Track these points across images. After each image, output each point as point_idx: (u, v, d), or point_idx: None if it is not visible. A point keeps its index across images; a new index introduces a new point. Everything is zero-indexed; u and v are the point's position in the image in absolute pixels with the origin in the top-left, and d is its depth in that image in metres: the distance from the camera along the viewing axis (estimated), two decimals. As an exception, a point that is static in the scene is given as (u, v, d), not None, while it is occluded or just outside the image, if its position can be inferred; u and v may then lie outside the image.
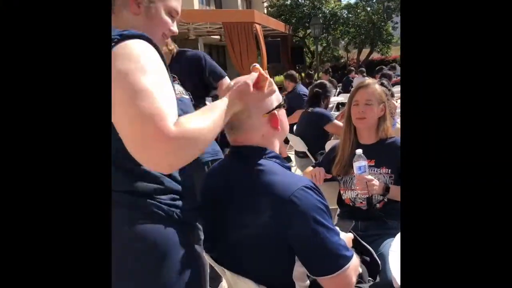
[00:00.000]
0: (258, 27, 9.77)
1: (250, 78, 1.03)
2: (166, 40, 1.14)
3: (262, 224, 1.00)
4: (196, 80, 2.26)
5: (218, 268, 1.12)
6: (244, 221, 1.04)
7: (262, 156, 1.09)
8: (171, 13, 1.09)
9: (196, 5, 14.62)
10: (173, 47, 2.30)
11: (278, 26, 12.93)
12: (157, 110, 0.78)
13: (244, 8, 21.28)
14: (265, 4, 20.57)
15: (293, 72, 6.07)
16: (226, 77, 2.37)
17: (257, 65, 1.27)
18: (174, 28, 1.11)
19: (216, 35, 12.86)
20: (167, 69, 0.94)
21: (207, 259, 1.14)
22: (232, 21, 9.64)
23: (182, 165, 0.86)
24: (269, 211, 0.99)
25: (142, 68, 0.82)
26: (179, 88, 2.13)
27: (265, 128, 1.10)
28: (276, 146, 1.14)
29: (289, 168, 1.13)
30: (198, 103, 2.06)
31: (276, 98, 1.12)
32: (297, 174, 1.09)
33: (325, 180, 1.99)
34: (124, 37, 0.86)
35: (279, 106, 1.12)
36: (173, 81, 2.29)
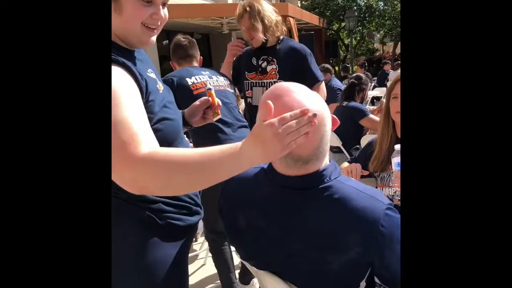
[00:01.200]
0: (291, 20, 9.69)
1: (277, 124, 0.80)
2: (153, 28, 1.02)
3: (346, 260, 0.90)
4: (291, 72, 2.24)
5: (250, 268, 1.10)
6: (324, 257, 0.92)
7: (328, 180, 0.95)
8: None
9: (230, 0, 14.68)
10: (279, 34, 2.28)
11: (312, 19, 12.80)
12: (125, 138, 0.81)
13: (278, 1, 21.18)
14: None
15: (328, 65, 5.98)
16: (322, 83, 2.33)
17: (212, 89, 1.24)
18: (159, 14, 0.99)
19: (249, 28, 12.85)
20: (146, 87, 0.95)
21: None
22: (266, 15, 9.57)
23: (156, 189, 0.86)
24: (357, 247, 0.89)
25: (113, 102, 0.83)
26: (223, 81, 2.17)
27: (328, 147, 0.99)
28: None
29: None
30: None
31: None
32: (367, 187, 0.97)
33: (362, 177, 1.94)
34: None
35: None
36: (267, 63, 2.19)
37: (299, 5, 18.73)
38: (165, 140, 0.97)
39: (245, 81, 2.39)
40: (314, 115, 0.82)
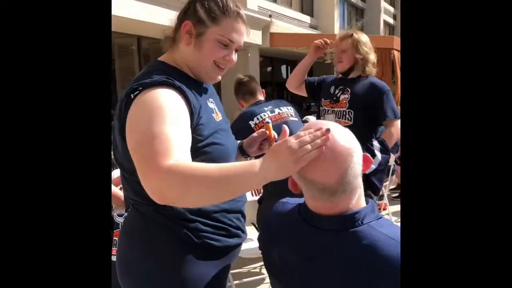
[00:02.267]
0: (396, 53, 9.52)
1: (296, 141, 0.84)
2: (222, 68, 1.15)
3: None
4: (363, 105, 2.31)
5: None
6: None
7: (359, 223, 0.90)
8: (223, 42, 1.10)
9: (337, 30, 14.86)
10: (367, 73, 2.39)
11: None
12: (158, 150, 0.89)
13: (387, 34, 20.84)
14: (408, 31, 19.89)
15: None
16: (395, 121, 2.34)
17: (270, 122, 1.26)
18: (231, 56, 1.13)
19: (352, 60, 12.85)
20: (194, 105, 1.05)
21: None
22: (370, 47, 9.55)
23: (175, 198, 0.89)
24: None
25: (151, 117, 0.94)
26: (287, 111, 2.35)
27: (360, 182, 0.92)
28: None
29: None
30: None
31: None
32: (388, 223, 0.93)
33: None
34: (146, 86, 0.99)
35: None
36: (341, 92, 2.38)
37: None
38: (213, 162, 0.97)
39: (320, 107, 2.51)
40: (328, 130, 0.83)
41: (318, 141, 0.82)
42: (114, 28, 5.90)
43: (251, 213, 2.28)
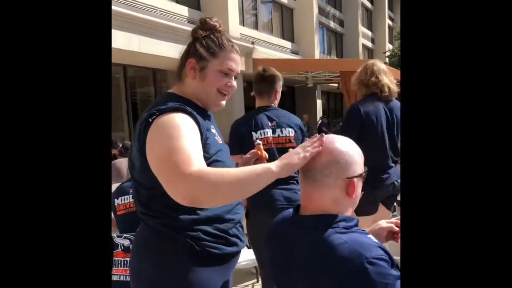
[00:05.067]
0: (375, 75, 9.85)
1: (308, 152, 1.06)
2: (225, 94, 1.33)
3: None
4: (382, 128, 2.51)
5: None
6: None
7: (332, 226, 1.02)
8: (223, 71, 1.29)
9: (317, 55, 15.26)
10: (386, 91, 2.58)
11: (397, 75, 12.79)
12: (182, 159, 1.04)
13: (366, 58, 21.44)
14: (387, 54, 20.52)
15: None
16: None
17: (260, 144, 1.41)
18: (232, 83, 1.32)
19: (334, 83, 13.21)
20: (202, 130, 1.21)
21: None
22: (349, 70, 9.88)
23: (206, 199, 1.04)
24: None
25: (170, 135, 1.10)
26: (288, 134, 2.41)
27: (338, 192, 1.05)
28: (349, 212, 1.09)
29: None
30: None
31: (360, 166, 1.08)
32: (365, 241, 1.01)
33: None
34: (162, 111, 1.15)
35: (360, 176, 1.07)
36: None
37: (387, 61, 18.83)
38: None
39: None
40: (322, 135, 1.07)
41: (316, 144, 1.06)
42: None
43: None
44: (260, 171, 1.07)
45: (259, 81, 2.49)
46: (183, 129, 1.13)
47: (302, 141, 2.48)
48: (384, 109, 2.53)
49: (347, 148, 1.07)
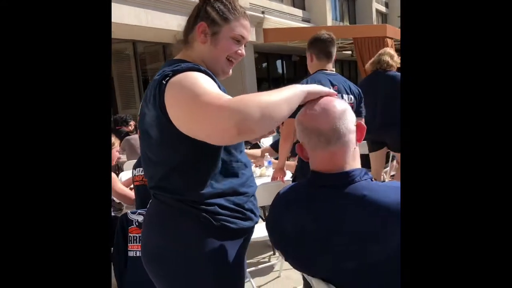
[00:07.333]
0: (389, 41, 9.61)
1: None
2: (233, 61, 1.29)
3: (390, 250, 0.95)
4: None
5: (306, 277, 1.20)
6: (365, 250, 0.99)
7: (359, 179, 1.05)
8: (236, 38, 1.24)
9: (329, 22, 14.90)
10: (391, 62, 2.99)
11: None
12: (213, 96, 0.97)
13: (379, 23, 20.89)
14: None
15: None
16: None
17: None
18: (242, 51, 1.28)
19: (348, 50, 12.94)
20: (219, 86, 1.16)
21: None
22: (363, 36, 9.65)
23: (254, 118, 0.94)
24: (394, 237, 0.93)
25: (192, 85, 1.03)
26: (351, 100, 2.48)
27: (354, 143, 1.11)
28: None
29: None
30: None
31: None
32: (395, 183, 1.04)
33: None
34: (176, 72, 1.07)
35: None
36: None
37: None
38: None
39: None
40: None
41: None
42: (110, 34, 5.98)
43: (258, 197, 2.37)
44: (289, 89, 1.08)
45: (328, 43, 2.49)
46: (204, 81, 1.05)
47: (359, 109, 2.55)
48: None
49: (343, 107, 1.12)
